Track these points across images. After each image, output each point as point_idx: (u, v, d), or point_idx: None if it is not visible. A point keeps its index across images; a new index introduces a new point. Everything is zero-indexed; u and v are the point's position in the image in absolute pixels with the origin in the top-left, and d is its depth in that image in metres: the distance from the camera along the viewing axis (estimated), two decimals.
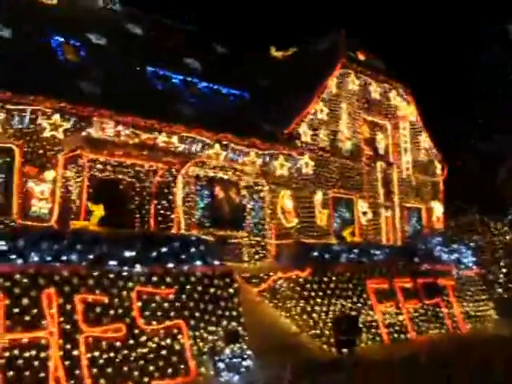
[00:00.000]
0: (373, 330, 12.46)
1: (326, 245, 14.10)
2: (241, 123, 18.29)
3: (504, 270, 17.30)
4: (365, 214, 20.78)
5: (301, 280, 11.61)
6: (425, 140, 23.74)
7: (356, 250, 13.40)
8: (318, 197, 19.42)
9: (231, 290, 10.39)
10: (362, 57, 22.24)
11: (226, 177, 17.32)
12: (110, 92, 15.33)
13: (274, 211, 18.22)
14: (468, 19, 30.77)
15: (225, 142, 17.17)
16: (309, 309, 11.50)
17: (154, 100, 16.58)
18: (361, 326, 12.26)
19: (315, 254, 12.33)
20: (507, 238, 17.97)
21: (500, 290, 17.36)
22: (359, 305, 12.52)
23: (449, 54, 30.10)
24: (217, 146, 16.99)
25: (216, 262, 10.45)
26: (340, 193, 20.25)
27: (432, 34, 30.88)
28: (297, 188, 18.92)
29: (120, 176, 14.21)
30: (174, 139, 16.04)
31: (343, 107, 20.72)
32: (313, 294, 11.69)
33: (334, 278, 12.24)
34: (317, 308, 11.60)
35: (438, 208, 23.61)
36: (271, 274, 12.08)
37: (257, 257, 12.90)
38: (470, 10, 31.08)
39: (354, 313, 12.24)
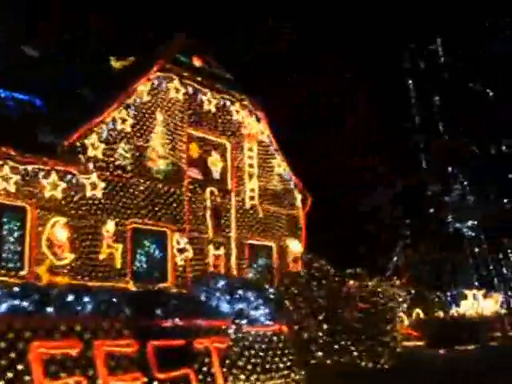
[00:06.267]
0: None
1: None
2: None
3: (325, 327, 12.87)
4: (182, 251, 16.57)
5: None
6: (280, 165, 19.78)
7: (36, 297, 9.15)
8: (109, 228, 15.24)
9: None
10: (197, 62, 18.46)
11: None
12: None
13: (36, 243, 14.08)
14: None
15: None
16: None
17: None
18: None
19: None
20: (335, 284, 13.71)
21: (320, 354, 12.94)
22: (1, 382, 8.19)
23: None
24: None
25: None
26: (145, 224, 16.08)
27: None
28: (76, 215, 14.76)
29: None
30: None
31: (158, 119, 16.80)
32: None
33: None
34: None
35: (295, 246, 19.51)
36: None
37: None
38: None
39: None
